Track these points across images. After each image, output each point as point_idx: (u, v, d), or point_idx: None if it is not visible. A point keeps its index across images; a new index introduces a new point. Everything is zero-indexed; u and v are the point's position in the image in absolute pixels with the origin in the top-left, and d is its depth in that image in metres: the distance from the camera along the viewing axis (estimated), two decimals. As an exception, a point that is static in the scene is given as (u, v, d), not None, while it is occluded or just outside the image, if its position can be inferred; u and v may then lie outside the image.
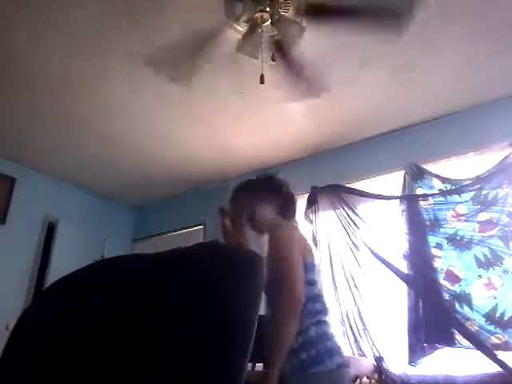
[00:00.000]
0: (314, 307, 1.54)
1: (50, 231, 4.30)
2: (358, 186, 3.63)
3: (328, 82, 3.01)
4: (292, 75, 2.72)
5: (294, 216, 1.86)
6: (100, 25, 2.54)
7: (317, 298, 1.58)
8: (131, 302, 0.54)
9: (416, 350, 2.86)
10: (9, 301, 3.77)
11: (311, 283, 1.58)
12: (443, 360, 2.81)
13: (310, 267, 1.60)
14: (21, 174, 4.15)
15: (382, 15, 2.39)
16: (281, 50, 2.48)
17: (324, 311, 1.59)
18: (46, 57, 2.81)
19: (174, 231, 4.76)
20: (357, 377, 2.46)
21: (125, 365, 0.50)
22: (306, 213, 3.68)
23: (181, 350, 0.52)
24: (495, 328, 2.66)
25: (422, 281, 2.99)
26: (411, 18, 2.44)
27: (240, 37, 2.41)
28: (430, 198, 3.16)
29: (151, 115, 3.47)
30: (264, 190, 1.82)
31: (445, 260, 2.97)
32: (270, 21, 2.27)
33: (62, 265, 4.06)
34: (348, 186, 3.63)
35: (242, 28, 2.43)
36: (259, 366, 2.81)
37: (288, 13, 2.33)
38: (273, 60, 2.31)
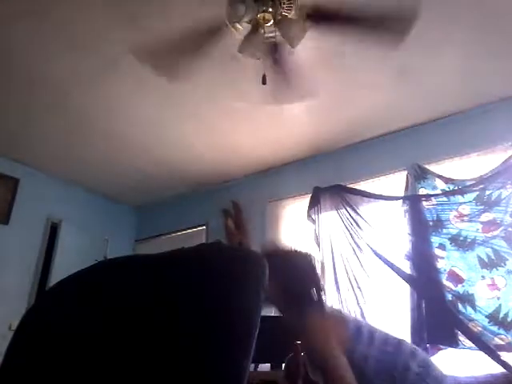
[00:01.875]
0: None
1: (53, 232, 4.32)
2: (361, 186, 3.63)
3: (328, 84, 3.02)
4: (282, 77, 2.69)
5: None
6: (104, 25, 2.54)
7: None
8: (134, 302, 0.54)
9: (419, 351, 2.85)
10: (12, 301, 3.78)
11: None
12: (446, 361, 2.80)
13: None
14: (24, 175, 4.16)
15: (384, 23, 2.38)
16: (276, 52, 2.47)
17: None
18: (49, 57, 2.81)
19: (177, 232, 4.77)
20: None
21: (126, 365, 0.50)
22: (308, 213, 3.69)
23: (182, 350, 0.52)
24: (498, 329, 2.65)
25: (425, 281, 2.98)
26: (412, 24, 2.42)
27: (242, 37, 2.41)
28: (432, 198, 3.15)
29: (154, 116, 3.47)
30: None
31: (448, 260, 2.96)
32: (272, 21, 2.27)
33: (64, 265, 4.08)
34: (351, 186, 3.63)
35: (244, 29, 2.43)
36: (262, 367, 2.81)
37: (290, 13, 2.33)
38: (275, 60, 2.31)
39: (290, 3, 2.29)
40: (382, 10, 2.34)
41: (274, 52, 2.35)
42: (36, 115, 3.44)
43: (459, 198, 3.04)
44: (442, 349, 2.83)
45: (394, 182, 3.48)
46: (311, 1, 2.32)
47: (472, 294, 2.80)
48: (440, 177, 3.19)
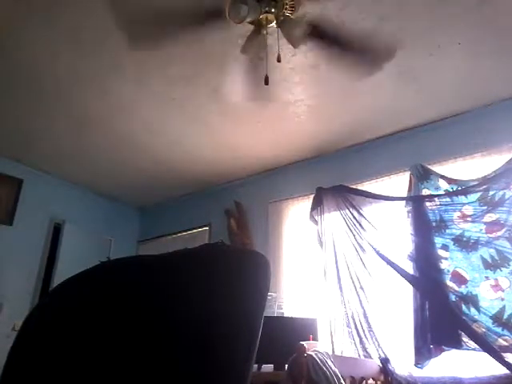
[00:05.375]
0: None
1: (57, 232, 4.33)
2: (364, 187, 3.63)
3: (330, 84, 3.02)
4: (345, 53, 2.67)
5: None
6: (107, 25, 2.55)
7: None
8: (138, 302, 0.54)
9: (422, 352, 2.84)
10: (16, 302, 3.79)
11: None
12: (450, 362, 2.79)
13: None
14: (28, 176, 4.18)
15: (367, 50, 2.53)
16: (319, 32, 2.47)
17: None
18: (53, 58, 2.82)
19: (180, 232, 4.78)
20: (363, 378, 2.45)
21: (129, 364, 0.50)
22: (311, 214, 3.68)
23: (184, 351, 0.52)
24: (502, 330, 2.63)
25: (428, 282, 2.97)
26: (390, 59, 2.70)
27: (245, 38, 2.41)
28: (436, 198, 3.14)
29: (156, 117, 3.48)
30: None
31: (451, 261, 2.95)
32: (275, 22, 2.28)
33: (68, 266, 4.09)
34: (353, 187, 3.62)
35: (246, 29, 2.43)
36: (265, 367, 2.81)
37: (293, 14, 2.34)
38: (278, 61, 2.31)
39: (293, 4, 2.30)
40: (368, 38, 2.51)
41: (277, 52, 2.35)
42: (40, 116, 3.45)
43: (462, 199, 3.03)
44: (445, 350, 2.82)
45: (397, 183, 3.47)
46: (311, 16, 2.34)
47: (476, 295, 2.79)
48: (443, 177, 3.18)
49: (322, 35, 2.48)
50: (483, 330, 2.68)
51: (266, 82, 2.34)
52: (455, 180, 3.12)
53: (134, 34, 2.60)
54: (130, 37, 2.61)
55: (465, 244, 2.92)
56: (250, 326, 0.61)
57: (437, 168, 3.28)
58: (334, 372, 2.05)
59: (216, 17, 2.36)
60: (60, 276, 4.06)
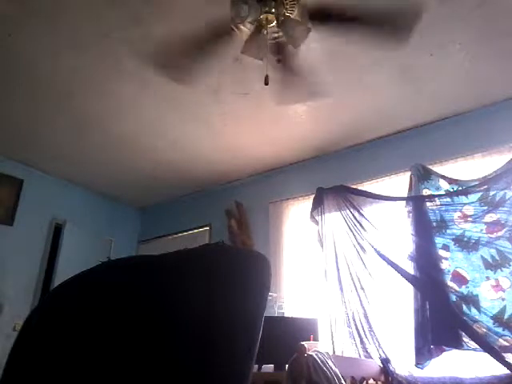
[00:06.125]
0: None
1: (57, 232, 4.33)
2: (365, 187, 3.63)
3: (331, 85, 3.02)
4: (293, 77, 2.70)
5: None
6: (108, 26, 2.55)
7: None
8: (138, 302, 0.54)
9: (423, 352, 2.84)
10: (16, 302, 3.80)
11: None
12: (450, 362, 2.79)
13: None
14: (28, 176, 4.18)
15: (387, 22, 2.40)
16: (283, 52, 2.49)
17: None
18: (53, 58, 2.83)
19: (180, 232, 4.78)
20: (363, 379, 2.45)
21: (129, 365, 0.50)
22: (311, 214, 3.68)
23: (185, 351, 0.52)
24: (503, 330, 2.63)
25: (429, 282, 2.97)
26: (410, 30, 2.52)
27: (245, 38, 2.41)
28: (436, 199, 3.14)
29: (157, 117, 3.48)
30: None
31: (452, 261, 2.95)
32: (275, 22, 2.28)
33: (68, 266, 4.09)
34: (354, 187, 3.62)
35: (247, 29, 2.44)
36: (265, 368, 2.81)
37: (293, 14, 2.34)
38: (278, 61, 2.31)
39: (293, 4, 2.30)
40: (386, 10, 2.36)
41: (278, 53, 2.35)
42: (40, 116, 3.46)
43: (463, 199, 3.03)
44: (446, 350, 2.82)
45: (398, 183, 3.47)
46: (314, 1, 2.32)
47: (476, 295, 2.78)
48: (444, 177, 3.18)
49: (335, 17, 2.42)
50: (484, 330, 2.68)
51: (266, 82, 2.34)
52: (456, 180, 3.12)
53: (136, 40, 2.60)
54: (130, 41, 2.62)
55: (465, 244, 2.92)
56: (250, 326, 0.61)
57: (437, 168, 3.27)
58: (335, 372, 2.05)
59: (220, 31, 2.37)
60: (60, 276, 4.06)
